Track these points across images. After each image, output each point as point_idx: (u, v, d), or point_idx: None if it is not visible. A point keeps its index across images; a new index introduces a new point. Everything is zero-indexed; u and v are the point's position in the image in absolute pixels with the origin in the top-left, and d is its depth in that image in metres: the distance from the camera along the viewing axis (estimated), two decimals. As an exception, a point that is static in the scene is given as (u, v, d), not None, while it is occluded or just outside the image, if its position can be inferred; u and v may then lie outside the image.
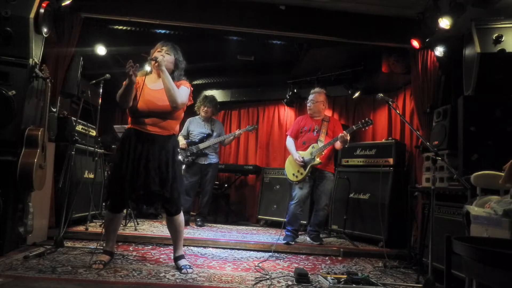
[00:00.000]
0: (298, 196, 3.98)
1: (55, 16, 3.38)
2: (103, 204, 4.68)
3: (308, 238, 4.09)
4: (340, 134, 3.81)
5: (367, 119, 3.85)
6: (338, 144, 3.91)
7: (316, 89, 4.24)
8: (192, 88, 2.84)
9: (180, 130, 5.05)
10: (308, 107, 4.20)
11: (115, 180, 2.65)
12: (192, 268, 2.70)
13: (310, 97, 4.19)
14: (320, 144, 3.94)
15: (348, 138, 3.81)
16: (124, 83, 2.61)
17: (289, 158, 4.14)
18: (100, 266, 2.57)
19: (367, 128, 3.90)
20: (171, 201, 2.69)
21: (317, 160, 3.90)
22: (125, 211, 4.38)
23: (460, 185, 2.90)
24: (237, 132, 4.99)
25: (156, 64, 2.62)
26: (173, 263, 2.82)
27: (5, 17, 2.87)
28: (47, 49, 3.32)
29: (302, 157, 3.95)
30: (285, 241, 3.83)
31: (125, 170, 2.59)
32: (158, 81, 2.71)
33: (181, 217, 2.80)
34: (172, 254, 2.88)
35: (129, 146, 2.63)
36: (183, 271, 2.63)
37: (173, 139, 2.76)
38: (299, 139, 4.14)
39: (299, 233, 4.70)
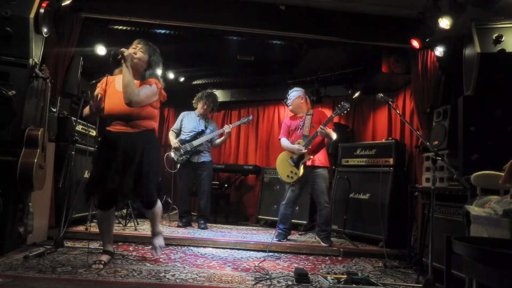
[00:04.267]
0: (287, 198, 4.05)
1: (55, 16, 3.37)
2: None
3: (317, 238, 4.09)
4: (318, 129, 3.83)
5: (342, 103, 3.89)
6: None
7: (295, 93, 4.27)
8: (160, 86, 2.77)
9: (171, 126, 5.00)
10: (288, 106, 4.30)
11: (90, 178, 2.80)
12: (162, 248, 2.97)
13: (288, 97, 4.28)
14: (305, 140, 3.95)
15: (327, 130, 3.82)
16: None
17: (279, 158, 4.12)
18: (100, 266, 2.58)
19: (345, 112, 3.91)
20: (142, 197, 2.72)
21: (306, 156, 3.92)
22: (124, 211, 4.41)
23: (460, 185, 2.90)
24: (226, 127, 4.68)
25: (121, 57, 2.55)
26: (173, 263, 2.84)
27: (5, 17, 2.87)
28: (47, 49, 3.31)
29: (291, 157, 3.99)
30: (277, 239, 3.98)
31: (97, 169, 2.68)
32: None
33: (156, 208, 2.87)
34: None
35: (101, 146, 2.74)
36: (152, 252, 2.96)
37: (145, 135, 2.71)
38: (289, 140, 4.15)
39: (300, 233, 4.75)
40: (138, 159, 2.63)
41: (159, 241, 2.95)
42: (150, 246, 3.47)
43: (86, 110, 2.73)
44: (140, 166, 2.64)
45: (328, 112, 5.91)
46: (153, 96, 2.71)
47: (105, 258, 2.70)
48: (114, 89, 2.70)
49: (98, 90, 2.71)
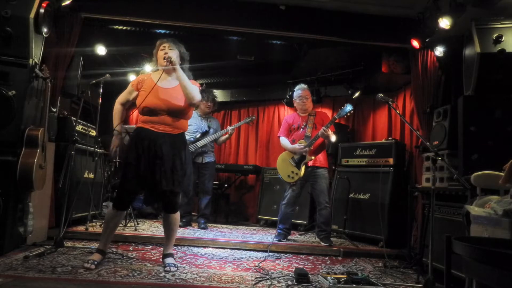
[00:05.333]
0: (288, 198, 4.04)
1: (55, 16, 3.38)
2: (104, 203, 4.67)
3: (317, 238, 4.09)
4: (320, 130, 3.82)
5: (346, 104, 3.86)
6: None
7: (302, 85, 4.24)
8: (199, 86, 2.86)
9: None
10: (297, 104, 4.21)
11: (130, 179, 2.63)
12: (176, 267, 2.69)
13: (299, 93, 4.18)
14: (307, 140, 3.93)
15: (329, 132, 3.80)
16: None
17: (280, 158, 4.11)
18: (92, 267, 2.53)
19: (348, 114, 3.86)
20: (175, 198, 2.71)
21: (308, 157, 3.91)
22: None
23: (460, 185, 2.90)
24: (230, 128, 4.84)
25: (170, 64, 2.64)
26: (173, 263, 2.82)
27: (5, 17, 2.87)
28: (47, 49, 3.32)
29: (293, 157, 3.97)
30: (277, 239, 3.97)
31: (137, 169, 2.59)
32: (168, 79, 2.73)
33: (176, 216, 2.82)
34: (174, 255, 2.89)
35: (143, 146, 2.63)
36: (166, 268, 2.65)
37: (183, 137, 2.79)
38: (289, 138, 4.13)
39: (300, 233, 4.75)
40: (183, 161, 2.67)
41: (171, 260, 2.76)
42: (151, 246, 3.49)
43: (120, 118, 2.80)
44: (183, 168, 2.67)
45: (328, 113, 5.97)
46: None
47: (97, 257, 2.65)
48: (160, 88, 2.69)
49: (131, 88, 2.78)
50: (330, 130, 3.83)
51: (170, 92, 2.69)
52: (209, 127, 4.81)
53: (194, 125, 4.78)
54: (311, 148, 3.92)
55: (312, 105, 4.25)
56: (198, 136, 4.71)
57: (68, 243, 3.27)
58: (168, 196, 2.67)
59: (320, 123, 4.02)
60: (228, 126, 4.92)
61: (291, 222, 4.21)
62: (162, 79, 2.74)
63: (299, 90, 4.20)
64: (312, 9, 3.99)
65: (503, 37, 2.91)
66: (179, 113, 2.71)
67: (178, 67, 2.66)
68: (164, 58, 2.70)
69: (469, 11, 3.11)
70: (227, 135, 4.85)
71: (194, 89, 2.71)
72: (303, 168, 3.91)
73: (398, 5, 3.80)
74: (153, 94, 2.66)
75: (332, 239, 4.01)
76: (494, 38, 2.93)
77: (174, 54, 2.71)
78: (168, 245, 2.83)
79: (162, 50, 2.76)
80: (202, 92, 4.82)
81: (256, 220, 5.76)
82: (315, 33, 4.08)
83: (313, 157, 3.94)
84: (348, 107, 3.82)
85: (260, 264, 3.07)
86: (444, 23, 3.29)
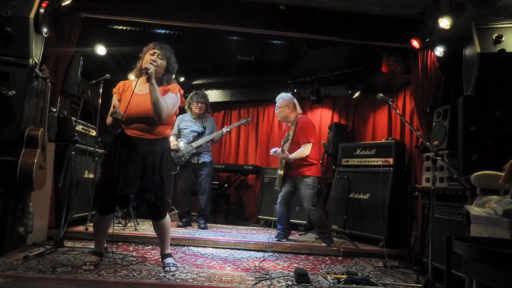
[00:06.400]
0: (279, 197, 4.13)
1: (55, 16, 3.38)
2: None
3: (317, 238, 4.12)
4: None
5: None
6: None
7: (280, 94, 4.20)
8: (182, 91, 2.77)
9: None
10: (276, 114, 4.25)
11: (101, 182, 2.66)
12: (176, 267, 2.68)
13: (276, 104, 4.16)
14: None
15: (282, 155, 3.82)
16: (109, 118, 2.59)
17: None
18: (91, 268, 2.53)
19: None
20: (155, 206, 2.64)
21: (279, 171, 4.02)
22: (125, 210, 4.41)
23: (460, 185, 2.90)
24: (225, 129, 4.84)
25: (147, 76, 2.53)
26: (173, 263, 2.82)
27: (5, 17, 2.87)
28: (47, 49, 3.32)
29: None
30: (277, 239, 4.00)
31: (109, 173, 2.56)
32: (145, 85, 2.60)
33: (166, 220, 2.76)
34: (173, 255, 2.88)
35: (115, 150, 2.60)
36: (166, 268, 2.64)
37: (161, 143, 2.68)
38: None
39: (300, 233, 4.75)
40: (157, 167, 2.59)
41: (171, 260, 2.75)
42: (151, 246, 3.49)
43: (109, 120, 2.60)
44: (160, 175, 2.60)
45: (328, 113, 5.98)
46: (178, 104, 2.73)
47: (94, 259, 2.64)
48: (135, 93, 2.59)
49: (115, 97, 2.70)
50: (283, 153, 3.81)
51: (143, 98, 2.58)
52: (204, 128, 4.79)
53: (188, 128, 4.77)
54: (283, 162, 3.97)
55: (294, 114, 4.06)
56: (193, 138, 4.71)
57: (68, 243, 3.27)
58: (147, 202, 2.59)
59: (297, 134, 3.93)
60: (223, 128, 4.91)
61: (289, 222, 4.20)
62: (140, 84, 2.64)
63: (278, 109, 4.11)
64: (312, 9, 3.99)
65: (503, 37, 2.91)
66: (153, 119, 2.58)
67: (153, 81, 2.52)
68: (143, 68, 2.58)
69: (469, 11, 3.11)
70: (220, 135, 4.85)
71: (164, 105, 2.56)
72: (279, 178, 4.04)
73: (398, 5, 3.79)
74: (132, 101, 2.56)
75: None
76: (494, 38, 2.93)
77: (152, 67, 2.54)
78: (165, 246, 2.81)
79: (151, 55, 2.66)
80: (196, 94, 4.85)
81: (256, 220, 5.76)
82: (315, 33, 4.08)
83: (281, 173, 3.97)
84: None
85: (260, 264, 3.07)
86: (444, 23, 3.29)
